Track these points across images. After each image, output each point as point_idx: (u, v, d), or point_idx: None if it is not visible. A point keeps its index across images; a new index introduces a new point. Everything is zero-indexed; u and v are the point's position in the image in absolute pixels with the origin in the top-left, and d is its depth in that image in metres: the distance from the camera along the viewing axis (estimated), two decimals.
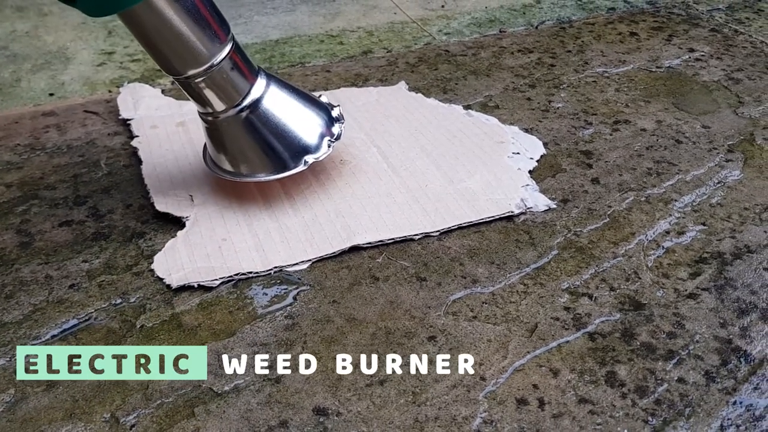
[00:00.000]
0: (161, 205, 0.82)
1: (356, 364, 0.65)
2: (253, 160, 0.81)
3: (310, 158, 0.82)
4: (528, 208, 0.83)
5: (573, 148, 0.96)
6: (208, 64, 0.75)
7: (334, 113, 0.87)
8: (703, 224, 0.82)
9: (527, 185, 0.87)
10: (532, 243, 0.79)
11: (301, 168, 0.81)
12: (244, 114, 0.79)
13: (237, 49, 0.77)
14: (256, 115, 0.79)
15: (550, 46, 1.25)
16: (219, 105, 0.78)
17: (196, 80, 0.76)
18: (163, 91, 1.07)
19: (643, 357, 0.66)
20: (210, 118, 0.80)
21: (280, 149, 0.81)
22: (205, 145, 0.87)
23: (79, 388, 0.62)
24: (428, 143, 0.95)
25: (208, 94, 0.77)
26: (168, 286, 0.72)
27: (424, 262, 0.76)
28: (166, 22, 0.71)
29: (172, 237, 0.78)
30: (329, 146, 0.83)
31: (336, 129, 0.85)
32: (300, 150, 0.81)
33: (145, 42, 0.74)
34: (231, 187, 0.85)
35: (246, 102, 0.79)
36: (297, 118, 0.82)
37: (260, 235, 0.78)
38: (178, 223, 0.80)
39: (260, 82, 0.80)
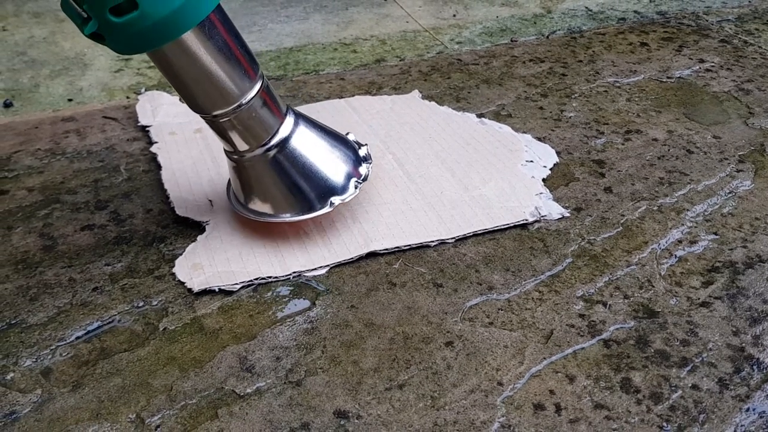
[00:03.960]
0: (181, 210, 0.83)
1: (375, 369, 0.66)
2: (278, 200, 0.79)
3: (336, 200, 0.79)
4: (542, 216, 0.85)
5: (585, 157, 0.97)
6: (237, 104, 0.72)
7: (362, 152, 0.85)
8: (715, 234, 0.84)
9: (541, 193, 0.88)
10: (546, 251, 0.80)
11: (327, 210, 0.79)
12: (271, 153, 0.77)
13: (267, 87, 0.75)
14: (283, 155, 0.77)
15: (562, 55, 1.27)
16: (245, 145, 0.76)
17: (223, 120, 0.74)
18: (180, 99, 1.08)
19: (657, 364, 0.67)
20: (236, 157, 0.78)
21: (306, 190, 0.79)
22: (229, 181, 0.86)
23: (105, 388, 0.63)
24: (442, 150, 0.96)
25: (235, 133, 0.75)
26: (189, 290, 0.73)
27: (440, 269, 0.77)
28: (196, 62, 0.69)
29: (193, 241, 0.79)
30: (356, 187, 0.81)
31: (363, 170, 0.83)
32: (327, 191, 0.79)
33: (172, 80, 0.72)
34: None
35: (274, 141, 0.76)
36: (325, 158, 0.80)
37: (279, 240, 0.80)
38: (198, 228, 0.82)
39: (288, 121, 0.78)
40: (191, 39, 0.67)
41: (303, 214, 0.79)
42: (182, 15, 0.64)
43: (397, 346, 0.68)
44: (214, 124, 0.75)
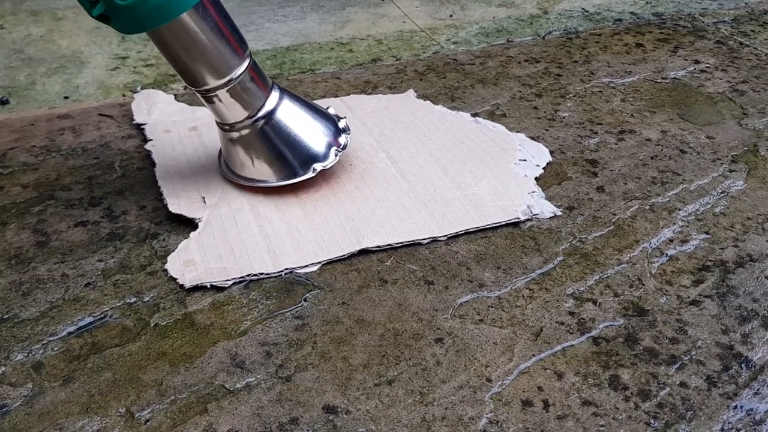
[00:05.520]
0: (174, 206, 0.84)
1: (365, 364, 0.66)
2: (265, 167, 0.86)
3: (318, 166, 0.86)
4: (534, 215, 0.85)
5: (579, 156, 0.98)
6: (228, 78, 0.80)
7: (341, 124, 0.91)
8: (707, 233, 0.84)
9: (533, 192, 0.89)
10: (537, 249, 0.80)
11: (309, 175, 0.86)
12: (259, 124, 0.84)
13: (254, 64, 0.83)
14: (270, 126, 0.85)
15: (557, 56, 1.27)
16: (237, 116, 0.83)
17: (217, 92, 0.81)
18: (176, 97, 1.09)
19: (646, 361, 0.67)
20: (227, 127, 0.85)
21: (290, 157, 0.86)
22: (220, 150, 0.92)
23: (95, 383, 0.63)
24: (436, 149, 0.97)
25: (228, 105, 0.82)
26: (181, 286, 0.74)
27: (431, 266, 0.78)
28: (191, 40, 0.76)
29: (185, 238, 0.80)
30: (336, 155, 0.88)
31: (343, 139, 0.90)
32: (309, 158, 0.86)
33: (169, 57, 0.79)
34: (242, 190, 0.87)
35: (261, 113, 0.84)
36: (307, 129, 0.87)
37: (271, 237, 0.80)
38: (190, 225, 0.82)
39: (274, 95, 0.85)
40: (187, 19, 0.75)
41: (287, 180, 0.86)
42: None
43: (387, 342, 0.68)
44: (207, 97, 0.82)
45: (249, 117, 0.84)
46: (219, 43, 0.78)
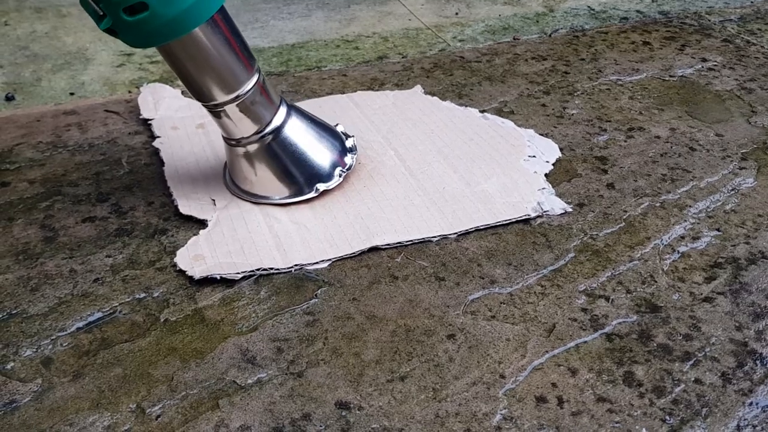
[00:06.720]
0: (185, 208, 0.83)
1: (377, 360, 0.65)
2: (270, 184, 0.85)
3: (321, 186, 0.85)
4: (544, 212, 0.84)
5: (588, 153, 0.97)
6: (236, 93, 0.78)
7: (348, 143, 0.90)
8: (718, 230, 0.83)
9: (543, 189, 0.88)
10: (548, 245, 0.80)
11: (312, 194, 0.85)
12: (267, 140, 0.83)
13: (263, 80, 0.81)
14: (276, 142, 0.83)
15: (564, 53, 1.27)
16: (244, 131, 0.82)
17: (225, 107, 0.79)
18: (183, 92, 1.08)
19: (660, 358, 0.67)
20: (233, 143, 0.83)
21: (296, 175, 0.85)
22: (225, 163, 0.90)
23: (105, 378, 0.63)
24: (445, 146, 0.96)
25: (236, 120, 0.81)
26: (190, 279, 0.73)
27: (442, 263, 0.77)
28: (200, 56, 0.75)
29: (194, 234, 0.79)
30: (340, 176, 0.86)
31: (348, 159, 0.89)
32: (314, 177, 0.85)
33: (177, 70, 0.78)
34: None
35: (268, 129, 0.82)
36: (313, 147, 0.86)
37: (281, 235, 0.79)
38: (200, 223, 0.82)
39: (282, 110, 0.84)
40: (197, 36, 0.73)
41: (292, 198, 0.85)
42: (190, 15, 0.70)
43: (399, 338, 0.68)
44: (215, 112, 0.81)
45: (257, 133, 0.82)
46: (229, 58, 0.76)
